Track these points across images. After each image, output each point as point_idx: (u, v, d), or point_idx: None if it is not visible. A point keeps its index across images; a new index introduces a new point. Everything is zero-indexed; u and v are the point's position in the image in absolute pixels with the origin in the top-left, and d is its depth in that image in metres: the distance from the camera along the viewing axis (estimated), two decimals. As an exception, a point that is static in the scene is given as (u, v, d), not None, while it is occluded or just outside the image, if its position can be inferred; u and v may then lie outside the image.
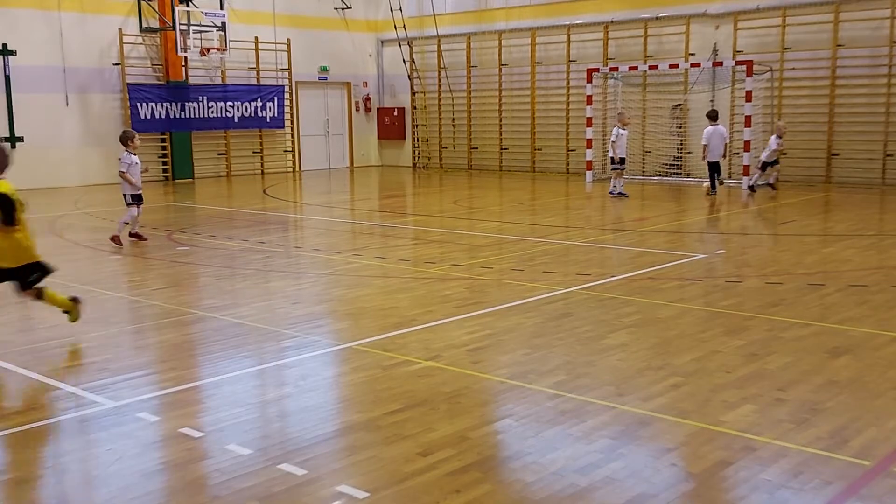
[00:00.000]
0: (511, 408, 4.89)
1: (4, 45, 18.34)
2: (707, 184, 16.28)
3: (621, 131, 16.14)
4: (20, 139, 18.72)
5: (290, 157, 23.81)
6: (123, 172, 11.02)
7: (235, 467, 4.11)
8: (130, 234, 11.18)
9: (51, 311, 7.49)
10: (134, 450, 4.35)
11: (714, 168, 15.91)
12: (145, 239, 11.20)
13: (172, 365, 5.92)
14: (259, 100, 22.42)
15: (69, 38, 19.25)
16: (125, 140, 11.07)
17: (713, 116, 16.39)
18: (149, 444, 4.46)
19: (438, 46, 23.97)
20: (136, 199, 11.08)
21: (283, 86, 23.06)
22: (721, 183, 16.36)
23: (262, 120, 22.61)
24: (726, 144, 16.26)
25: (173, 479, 4.05)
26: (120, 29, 19.98)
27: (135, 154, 11.03)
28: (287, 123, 23.33)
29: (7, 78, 18.42)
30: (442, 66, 24.07)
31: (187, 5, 20.09)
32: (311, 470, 4.08)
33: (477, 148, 23.82)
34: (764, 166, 16.16)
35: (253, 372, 5.80)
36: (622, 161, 16.21)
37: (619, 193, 16.02)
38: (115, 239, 10.88)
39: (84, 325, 6.90)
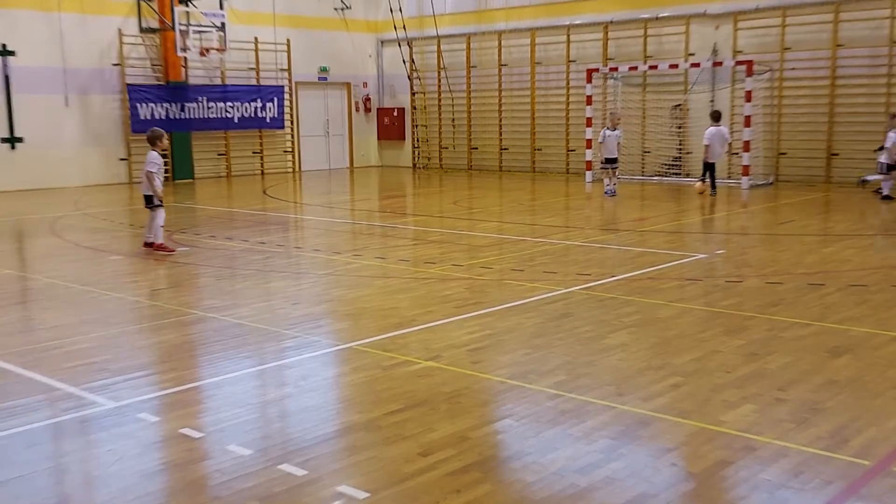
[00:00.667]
0: (511, 408, 4.90)
1: (4, 46, 18.34)
2: (698, 183, 16.38)
3: (608, 132, 16.28)
4: (20, 139, 18.75)
5: (290, 157, 23.81)
6: (153, 172, 10.20)
7: (236, 468, 4.11)
8: (146, 244, 10.39)
9: (51, 311, 7.51)
10: (134, 450, 4.35)
11: (711, 168, 16.05)
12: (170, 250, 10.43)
13: (173, 365, 5.93)
14: (259, 100, 22.40)
15: (69, 39, 19.25)
16: (154, 139, 10.32)
17: (716, 117, 16.43)
18: (149, 444, 4.46)
19: (438, 47, 23.97)
20: (160, 201, 10.34)
21: (283, 86, 23.05)
22: (703, 181, 16.35)
23: (262, 120, 22.61)
24: (730, 144, 16.34)
25: (174, 480, 4.05)
26: (120, 29, 19.98)
27: (161, 154, 10.36)
28: (287, 124, 23.32)
29: (7, 78, 18.43)
30: (442, 66, 24.07)
31: (187, 5, 20.10)
32: (311, 470, 4.08)
33: (477, 148, 23.82)
34: (888, 168, 14.74)
35: (253, 372, 5.80)
36: (608, 161, 16.30)
37: (611, 192, 16.09)
38: (161, 247, 10.20)
39: (84, 325, 6.91)
